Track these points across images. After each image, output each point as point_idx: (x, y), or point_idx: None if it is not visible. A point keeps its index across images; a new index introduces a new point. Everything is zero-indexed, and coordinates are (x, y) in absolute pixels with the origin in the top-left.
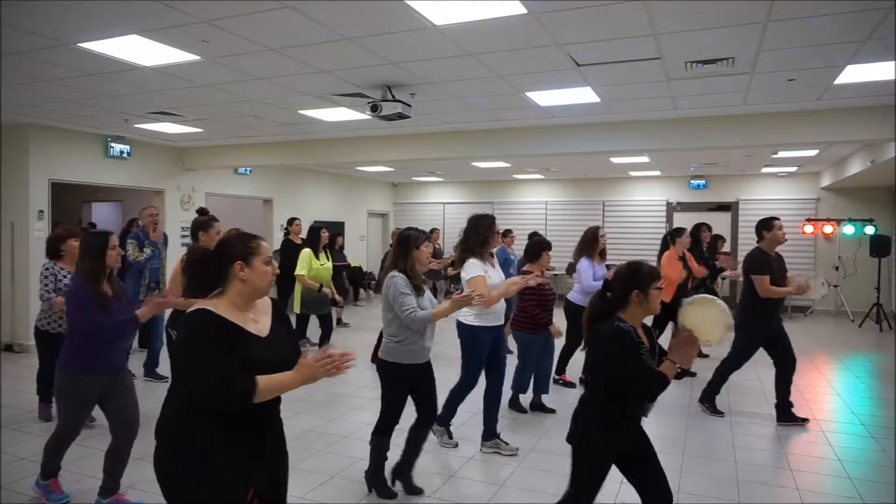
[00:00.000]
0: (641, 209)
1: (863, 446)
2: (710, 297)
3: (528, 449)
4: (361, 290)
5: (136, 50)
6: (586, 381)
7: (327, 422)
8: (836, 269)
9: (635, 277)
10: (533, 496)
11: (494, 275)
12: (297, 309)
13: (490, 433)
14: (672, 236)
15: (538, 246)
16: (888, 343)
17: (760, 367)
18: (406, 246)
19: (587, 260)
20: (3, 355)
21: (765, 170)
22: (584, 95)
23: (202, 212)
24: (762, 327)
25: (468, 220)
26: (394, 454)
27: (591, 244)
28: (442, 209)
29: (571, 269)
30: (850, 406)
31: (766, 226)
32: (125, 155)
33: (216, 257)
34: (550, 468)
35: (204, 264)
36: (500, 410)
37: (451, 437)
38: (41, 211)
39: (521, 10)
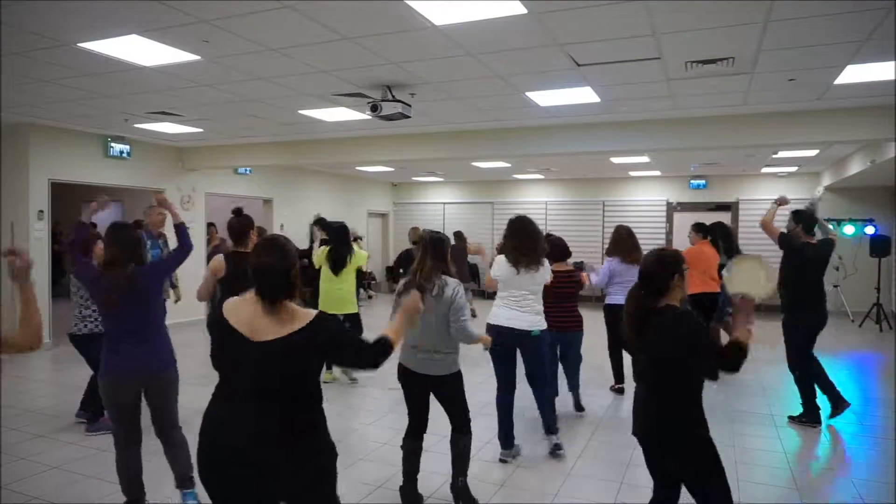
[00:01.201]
0: (641, 209)
1: (863, 446)
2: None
3: (528, 450)
4: (361, 291)
5: (136, 50)
6: (648, 384)
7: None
8: (837, 269)
9: (671, 263)
10: (533, 496)
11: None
12: (355, 309)
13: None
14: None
15: (562, 248)
16: (888, 343)
17: (761, 367)
18: (445, 250)
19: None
20: (3, 355)
21: (765, 170)
22: (584, 95)
23: (238, 212)
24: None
25: (523, 221)
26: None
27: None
28: (442, 209)
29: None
30: (851, 406)
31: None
32: (125, 155)
33: (290, 268)
34: (550, 469)
35: (279, 276)
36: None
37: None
38: (41, 211)
39: (521, 10)
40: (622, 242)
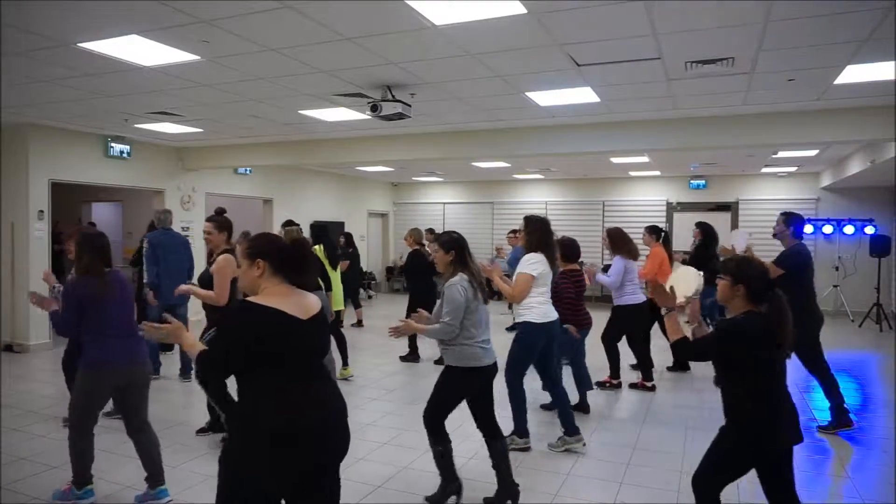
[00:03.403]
0: (641, 209)
1: (863, 446)
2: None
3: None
4: (362, 290)
5: (136, 50)
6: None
7: None
8: (836, 269)
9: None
10: (533, 496)
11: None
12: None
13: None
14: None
15: (578, 249)
16: (888, 343)
17: None
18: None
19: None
20: (3, 355)
21: (765, 170)
22: (584, 95)
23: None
24: None
25: (546, 222)
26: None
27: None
28: (442, 209)
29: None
30: (851, 406)
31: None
32: (125, 155)
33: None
34: (551, 468)
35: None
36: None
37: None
38: (41, 211)
39: (521, 10)
40: (627, 240)
